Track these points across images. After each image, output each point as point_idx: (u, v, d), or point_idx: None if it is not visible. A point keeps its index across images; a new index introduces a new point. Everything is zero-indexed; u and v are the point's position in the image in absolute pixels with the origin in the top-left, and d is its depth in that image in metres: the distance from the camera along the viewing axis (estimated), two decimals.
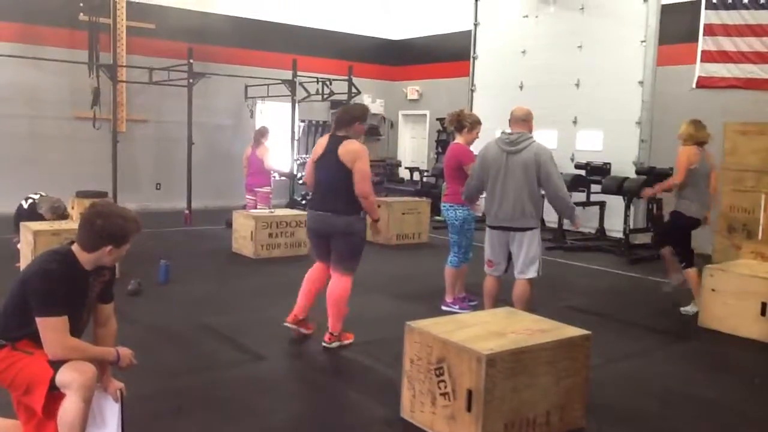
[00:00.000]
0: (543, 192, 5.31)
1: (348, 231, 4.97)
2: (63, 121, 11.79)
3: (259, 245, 8.44)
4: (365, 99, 14.91)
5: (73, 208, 8.87)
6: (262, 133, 9.53)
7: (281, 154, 11.90)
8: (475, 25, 13.42)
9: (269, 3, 14.04)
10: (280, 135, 12.32)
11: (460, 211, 6.08)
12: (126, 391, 2.98)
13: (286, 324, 5.28)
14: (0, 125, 11.25)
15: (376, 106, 15.64)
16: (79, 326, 2.99)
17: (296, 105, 12.78)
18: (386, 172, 14.92)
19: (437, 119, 13.94)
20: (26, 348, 2.82)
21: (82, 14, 11.63)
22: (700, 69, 10.01)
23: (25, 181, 10.13)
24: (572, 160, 11.34)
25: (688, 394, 4.45)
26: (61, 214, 7.42)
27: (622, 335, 5.75)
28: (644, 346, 5.51)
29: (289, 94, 12.53)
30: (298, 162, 13.37)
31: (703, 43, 9.95)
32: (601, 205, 10.61)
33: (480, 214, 7.80)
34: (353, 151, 4.90)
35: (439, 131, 14.35)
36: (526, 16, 12.38)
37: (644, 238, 9.84)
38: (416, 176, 14.09)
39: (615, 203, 10.25)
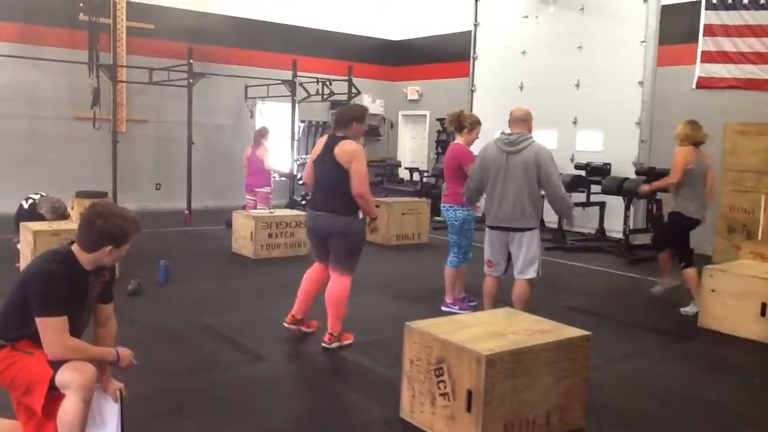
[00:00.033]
0: (543, 192, 5.31)
1: (347, 231, 4.97)
2: (63, 121, 11.80)
3: (259, 245, 8.44)
4: (365, 99, 14.92)
5: (72, 208, 8.87)
6: (262, 134, 9.53)
7: (281, 155, 11.90)
8: (475, 25, 13.42)
9: (269, 3, 14.04)
10: (280, 135, 12.32)
11: (460, 211, 6.08)
12: (125, 392, 2.98)
13: (284, 325, 5.32)
14: (0, 125, 11.25)
15: (376, 107, 15.65)
16: (79, 326, 2.99)
17: (296, 105, 12.78)
18: (386, 173, 14.92)
19: (437, 119, 13.94)
20: (26, 348, 2.82)
21: (82, 14, 11.64)
22: (700, 69, 10.02)
23: (24, 181, 10.13)
24: (572, 160, 11.34)
25: (688, 395, 4.46)
26: (62, 215, 7.42)
27: (621, 336, 5.75)
28: (644, 347, 5.51)
29: (289, 94, 12.53)
30: (298, 162, 13.37)
31: (703, 44, 9.95)
32: (601, 205, 10.61)
33: (480, 215, 7.80)
34: (349, 151, 4.90)
35: (439, 131, 14.36)
36: (526, 17, 12.38)
37: (644, 239, 9.84)
38: (416, 177, 14.10)
39: (615, 204, 10.25)
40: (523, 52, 12.37)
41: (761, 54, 9.46)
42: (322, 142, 5.18)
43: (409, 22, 15.53)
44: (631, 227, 9.87)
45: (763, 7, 9.42)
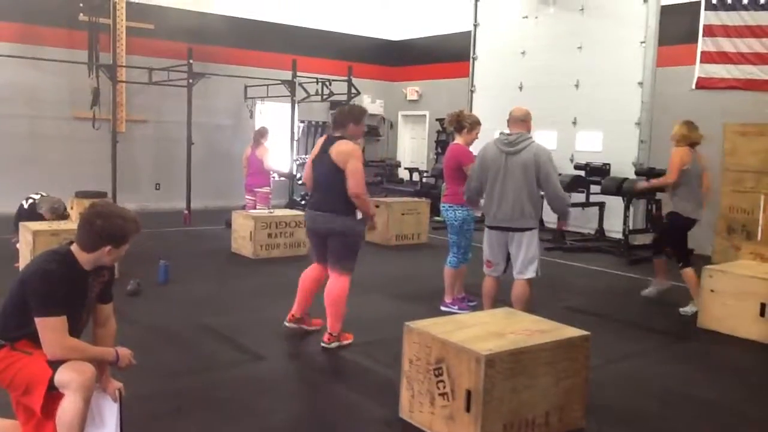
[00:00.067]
0: (542, 192, 5.32)
1: (345, 231, 4.99)
2: (62, 122, 11.79)
3: (259, 245, 8.44)
4: (365, 99, 14.92)
5: (72, 208, 8.87)
6: (261, 134, 9.54)
7: (281, 155, 11.89)
8: (475, 25, 13.42)
9: (269, 3, 14.04)
10: (279, 135, 12.31)
11: (460, 211, 6.09)
12: (125, 391, 2.98)
13: (285, 324, 5.36)
14: (0, 125, 11.25)
15: (375, 107, 15.65)
16: (79, 326, 2.99)
17: (296, 105, 12.77)
18: (386, 173, 14.92)
19: (437, 120, 13.94)
20: (25, 348, 2.82)
21: (81, 14, 11.63)
22: (699, 70, 10.02)
23: (24, 181, 10.13)
24: (572, 160, 11.35)
25: (687, 395, 4.46)
26: (61, 215, 7.42)
27: (621, 336, 5.76)
28: (644, 347, 5.51)
29: (289, 94, 12.52)
30: (298, 162, 13.37)
31: (703, 44, 9.95)
32: (601, 205, 10.61)
33: (480, 215, 7.80)
34: (345, 151, 4.93)
35: (438, 132, 14.36)
36: (526, 17, 12.38)
37: (644, 239, 9.83)
38: (416, 177, 14.09)
39: (614, 204, 10.25)
40: (523, 53, 12.38)
41: (761, 54, 9.46)
42: (320, 142, 5.21)
43: (408, 23, 15.53)
44: (631, 227, 9.87)
45: (762, 8, 9.42)
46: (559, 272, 8.28)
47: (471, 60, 13.48)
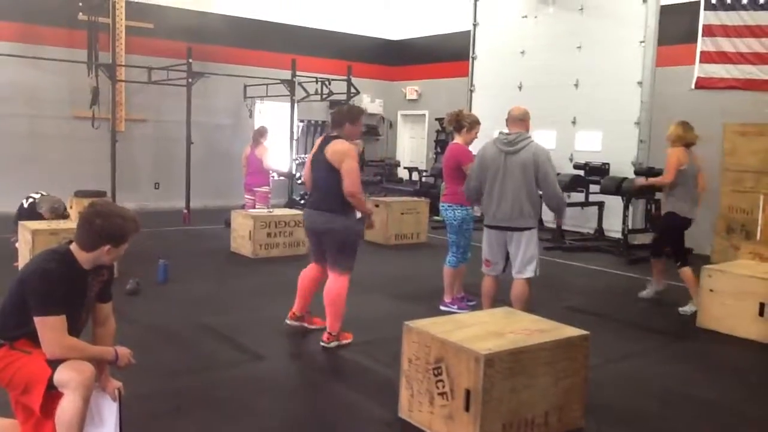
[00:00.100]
0: (540, 191, 5.32)
1: (342, 230, 5.00)
2: (62, 121, 11.79)
3: (258, 245, 8.44)
4: (364, 99, 14.92)
5: (71, 207, 8.87)
6: (261, 133, 9.53)
7: (280, 154, 11.89)
8: (474, 25, 13.42)
9: (268, 3, 14.04)
10: (279, 135, 12.31)
11: (459, 211, 6.09)
12: (124, 391, 2.98)
13: (287, 322, 5.41)
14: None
15: (375, 106, 15.65)
16: (78, 326, 2.98)
17: (295, 105, 12.77)
18: (385, 172, 14.92)
19: (436, 119, 13.95)
20: (24, 347, 2.82)
21: (81, 14, 11.62)
22: (699, 70, 10.02)
23: (24, 180, 10.12)
24: (571, 160, 11.36)
25: (687, 395, 4.46)
26: (61, 214, 7.41)
27: (620, 335, 5.76)
28: (643, 347, 5.52)
29: (288, 93, 12.52)
30: (297, 162, 13.37)
31: (702, 44, 9.95)
32: (600, 205, 10.61)
33: (479, 214, 7.81)
34: (339, 151, 4.94)
35: (438, 131, 14.36)
36: (525, 17, 12.38)
37: (643, 239, 9.83)
38: (415, 176, 14.10)
39: (614, 203, 10.26)
40: (522, 52, 12.37)
41: (760, 54, 9.46)
42: (319, 142, 5.24)
43: (408, 22, 15.54)
44: (630, 227, 9.88)
45: (762, 8, 9.42)
46: (558, 272, 8.28)
47: (470, 59, 13.48)
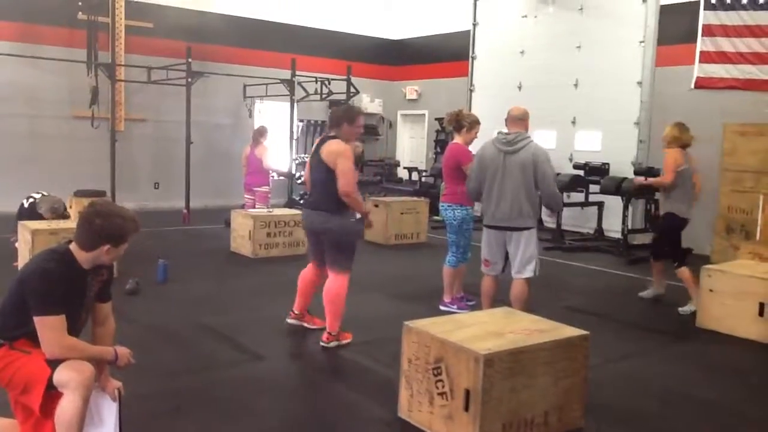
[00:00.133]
0: (538, 191, 5.33)
1: (338, 230, 5.02)
2: (61, 120, 11.79)
3: (258, 245, 8.44)
4: (364, 99, 14.92)
5: (71, 207, 8.86)
6: (260, 133, 9.53)
7: (280, 154, 11.89)
8: (474, 25, 13.42)
9: (268, 2, 14.03)
10: (278, 134, 12.31)
11: (459, 211, 6.09)
12: (124, 390, 2.98)
13: (288, 321, 5.45)
14: None
15: (374, 106, 15.65)
16: (77, 325, 2.98)
17: (295, 104, 12.77)
18: (385, 172, 14.92)
19: (436, 119, 13.94)
20: (24, 347, 2.82)
21: (80, 13, 11.62)
22: (698, 70, 10.02)
23: (23, 180, 10.12)
24: (571, 160, 11.36)
25: (686, 395, 4.46)
26: (61, 214, 7.40)
27: (620, 335, 5.76)
28: (643, 347, 5.52)
29: (288, 93, 12.51)
30: (297, 161, 13.37)
31: (702, 44, 9.95)
32: (600, 205, 10.62)
33: (479, 214, 7.82)
34: (334, 151, 4.96)
35: (437, 131, 14.36)
36: (525, 16, 12.38)
37: (643, 239, 9.84)
38: (415, 176, 14.10)
39: (613, 203, 10.26)
40: (522, 52, 12.37)
41: (760, 54, 9.46)
42: (317, 142, 5.28)
43: (407, 22, 15.54)
44: (630, 227, 9.88)
45: (761, 8, 9.42)
46: (558, 272, 8.28)
47: (470, 59, 13.48)
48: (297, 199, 12.78)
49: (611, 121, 11.04)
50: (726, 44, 9.75)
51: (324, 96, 13.11)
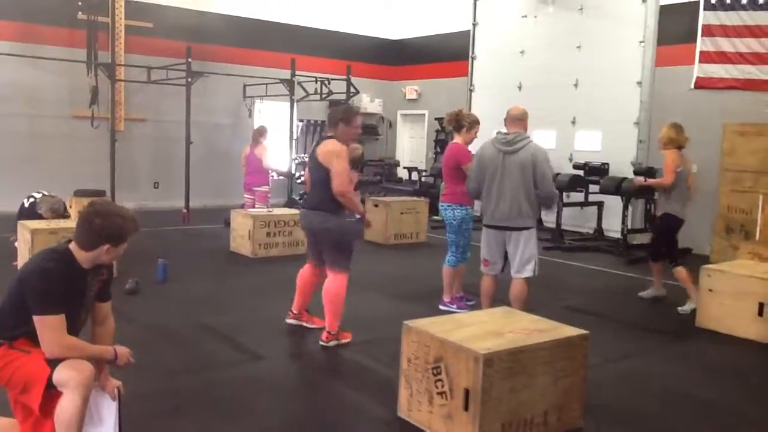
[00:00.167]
0: (537, 190, 5.33)
1: (336, 229, 5.04)
2: (61, 120, 11.78)
3: (257, 244, 8.44)
4: (364, 98, 14.92)
5: (71, 206, 8.85)
6: (260, 133, 9.54)
7: (279, 154, 11.89)
8: (474, 25, 13.42)
9: (267, 2, 14.03)
10: (278, 134, 12.31)
11: (458, 210, 6.09)
12: (123, 390, 2.98)
13: (287, 321, 5.46)
14: None
15: (374, 106, 15.65)
16: (77, 325, 2.98)
17: (294, 104, 12.76)
18: (384, 172, 14.92)
19: (436, 119, 13.95)
20: (23, 347, 2.82)
21: (80, 13, 11.61)
22: (698, 70, 10.02)
23: (23, 180, 10.13)
24: (570, 160, 11.36)
25: (686, 394, 4.46)
26: (61, 214, 7.40)
27: (619, 335, 5.76)
28: (642, 346, 5.52)
29: (288, 93, 12.52)
30: (297, 161, 13.37)
31: (702, 44, 9.95)
32: (599, 205, 10.62)
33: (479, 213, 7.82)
34: (329, 151, 4.98)
35: (437, 131, 14.36)
36: (525, 16, 12.38)
37: (642, 238, 9.84)
38: (414, 176, 14.10)
39: (613, 203, 10.26)
40: (522, 52, 12.37)
41: (759, 54, 9.46)
42: (317, 142, 5.30)
43: (407, 22, 15.54)
44: (629, 227, 9.88)
45: (761, 8, 9.42)
46: (557, 271, 8.28)
47: (470, 59, 13.48)
48: (297, 198, 12.78)
49: (611, 121, 11.04)
50: (726, 44, 9.75)
51: (324, 96, 13.10)
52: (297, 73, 12.55)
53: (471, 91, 13.45)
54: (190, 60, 11.27)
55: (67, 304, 2.82)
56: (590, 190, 10.70)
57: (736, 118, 9.33)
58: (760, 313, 5.57)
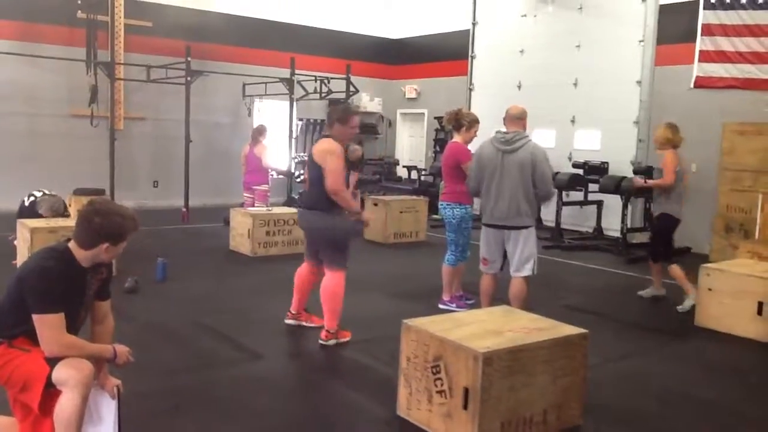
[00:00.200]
0: (536, 189, 5.34)
1: (329, 227, 5.06)
2: (61, 119, 11.78)
3: (257, 243, 8.44)
4: (363, 97, 14.93)
5: (70, 205, 8.85)
6: (260, 132, 9.53)
7: (279, 153, 11.89)
8: (474, 24, 13.42)
9: (267, 1, 14.02)
10: (278, 133, 12.31)
11: (458, 209, 6.09)
12: (123, 389, 2.98)
13: (286, 322, 5.46)
14: None
15: (374, 105, 15.65)
16: (76, 324, 2.98)
17: (294, 103, 12.76)
18: (384, 171, 14.92)
19: (435, 118, 13.94)
20: (23, 345, 2.82)
21: (80, 12, 11.61)
22: (698, 69, 10.02)
23: (23, 178, 10.13)
24: (570, 159, 11.36)
25: (685, 394, 4.46)
26: (61, 214, 7.40)
27: (619, 334, 5.76)
28: (641, 346, 5.52)
29: (287, 92, 12.51)
30: (296, 160, 13.36)
31: (701, 43, 9.95)
32: (599, 204, 10.62)
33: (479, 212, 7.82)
34: (323, 149, 5.01)
35: (437, 130, 14.36)
36: (525, 16, 12.38)
37: (642, 237, 9.84)
38: (414, 175, 14.10)
39: (612, 202, 10.27)
40: (522, 51, 12.37)
41: (759, 54, 9.46)
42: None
43: (407, 21, 15.53)
44: (629, 226, 9.89)
45: (761, 7, 9.42)
46: (557, 270, 8.28)
47: (470, 58, 13.48)
48: (296, 197, 12.79)
49: (610, 120, 11.04)
50: (725, 43, 9.75)
51: (323, 95, 13.10)
52: (296, 72, 12.55)
53: (470, 90, 13.45)
54: (189, 59, 11.26)
55: (67, 303, 2.82)
56: (590, 189, 10.71)
57: (735, 117, 9.34)
58: (760, 312, 5.57)
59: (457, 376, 3.42)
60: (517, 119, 5.37)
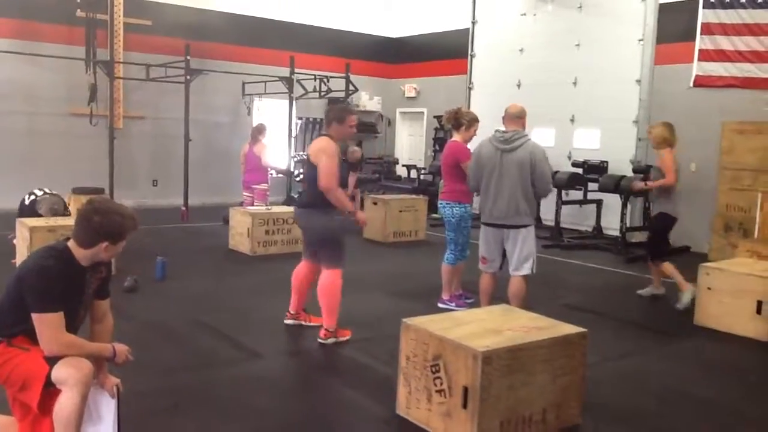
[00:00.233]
0: (535, 188, 5.34)
1: (322, 226, 5.08)
2: (60, 118, 11.77)
3: (256, 242, 8.44)
4: (363, 96, 14.92)
5: (69, 204, 8.84)
6: (259, 130, 9.54)
7: (278, 151, 11.89)
8: (473, 23, 13.42)
9: (266, 0, 14.01)
10: (277, 132, 12.30)
11: (457, 208, 6.09)
12: (122, 387, 2.98)
13: (285, 321, 5.46)
14: None
15: (373, 104, 15.65)
16: (76, 323, 2.98)
17: (293, 102, 12.76)
18: (383, 170, 14.91)
19: (435, 117, 13.95)
20: (22, 344, 2.82)
21: (79, 10, 11.60)
22: (697, 68, 10.02)
23: (21, 177, 10.13)
24: (569, 158, 11.37)
25: (684, 393, 4.46)
26: (62, 214, 7.39)
27: (618, 333, 5.76)
28: (641, 345, 5.53)
29: (287, 91, 12.51)
30: (295, 159, 13.36)
31: (701, 42, 9.95)
32: (598, 203, 10.62)
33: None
34: (318, 148, 5.04)
35: (436, 129, 14.37)
36: (524, 14, 12.38)
37: (641, 237, 9.83)
38: (413, 174, 14.10)
39: (612, 201, 10.27)
40: (521, 50, 12.37)
41: (759, 53, 9.46)
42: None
43: (407, 20, 15.53)
44: (628, 225, 9.89)
45: (760, 6, 9.42)
46: (556, 269, 8.29)
47: (469, 57, 13.48)
48: (295, 196, 12.78)
49: (610, 119, 11.05)
50: (725, 42, 9.75)
51: (323, 94, 13.10)
52: (296, 70, 12.55)
53: (470, 89, 13.46)
54: (189, 57, 11.25)
55: (66, 302, 2.82)
56: (589, 188, 10.71)
57: (735, 116, 9.34)
58: (759, 311, 5.58)
59: (457, 375, 3.42)
60: (516, 118, 5.37)
